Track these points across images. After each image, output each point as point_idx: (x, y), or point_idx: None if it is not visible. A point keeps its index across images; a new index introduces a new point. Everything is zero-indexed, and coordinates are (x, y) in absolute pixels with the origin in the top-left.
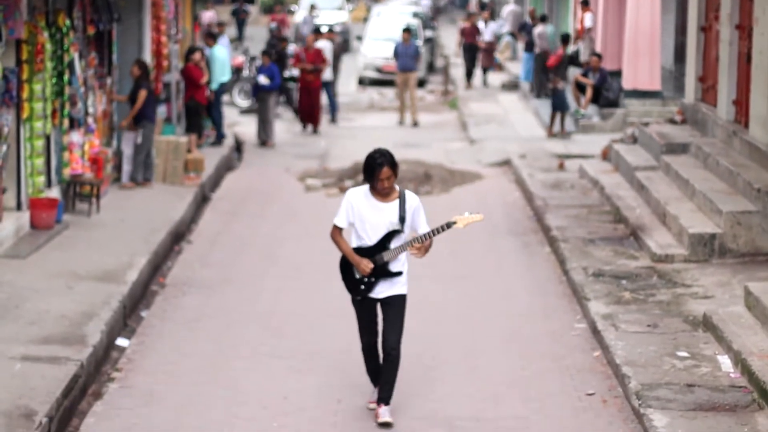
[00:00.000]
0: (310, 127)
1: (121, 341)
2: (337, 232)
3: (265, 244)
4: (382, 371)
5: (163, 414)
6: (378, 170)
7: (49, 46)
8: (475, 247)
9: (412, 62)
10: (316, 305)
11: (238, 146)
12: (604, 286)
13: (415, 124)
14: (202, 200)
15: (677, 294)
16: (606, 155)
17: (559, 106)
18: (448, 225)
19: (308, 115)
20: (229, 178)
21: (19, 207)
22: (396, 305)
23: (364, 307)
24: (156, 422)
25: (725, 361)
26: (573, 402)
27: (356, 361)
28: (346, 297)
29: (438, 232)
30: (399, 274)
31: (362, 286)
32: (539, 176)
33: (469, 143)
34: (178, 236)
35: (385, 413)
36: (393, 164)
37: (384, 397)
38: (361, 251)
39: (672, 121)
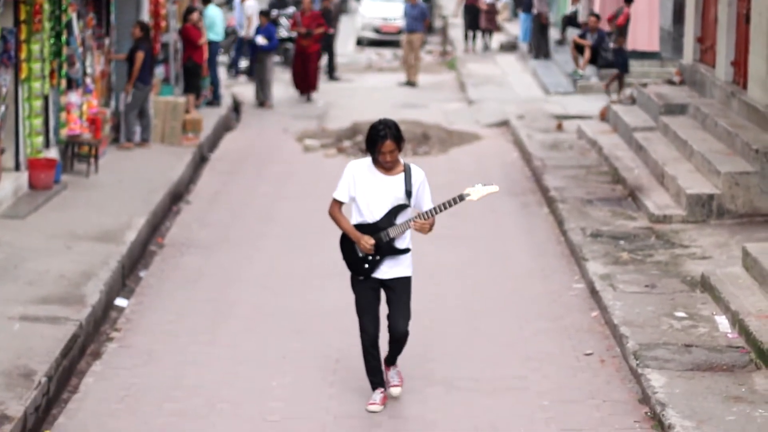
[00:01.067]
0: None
1: (119, 301)
2: (336, 208)
3: (263, 204)
4: (390, 347)
5: (161, 373)
6: (380, 143)
7: (47, 7)
8: (473, 207)
9: (417, 23)
10: (314, 265)
11: (236, 107)
12: (602, 247)
13: (413, 84)
14: (200, 161)
15: (675, 254)
16: (604, 116)
17: (622, 66)
18: (461, 198)
19: (301, 80)
20: (228, 139)
21: (17, 167)
22: (401, 288)
23: (365, 289)
24: (154, 381)
25: (723, 322)
26: (571, 362)
27: (355, 320)
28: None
29: (449, 206)
30: (405, 251)
31: (366, 265)
32: (537, 137)
33: (468, 104)
34: (176, 196)
35: (394, 378)
36: (397, 137)
37: (392, 359)
38: (362, 228)
39: (670, 82)
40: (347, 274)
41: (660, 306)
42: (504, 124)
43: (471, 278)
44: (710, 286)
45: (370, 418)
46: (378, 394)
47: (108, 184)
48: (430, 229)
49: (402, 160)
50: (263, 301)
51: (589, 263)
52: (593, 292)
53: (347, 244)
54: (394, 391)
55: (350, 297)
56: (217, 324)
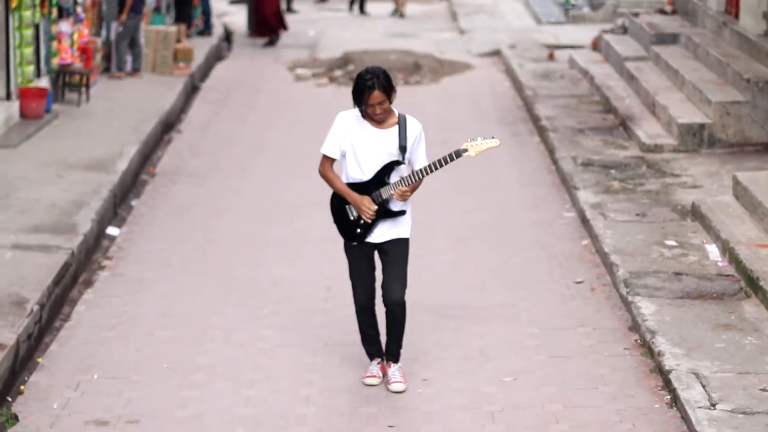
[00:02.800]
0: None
1: (111, 230)
2: (327, 165)
3: (254, 133)
4: (388, 329)
5: (153, 301)
6: (367, 94)
7: None
8: (464, 136)
9: None
10: (305, 193)
11: (228, 36)
12: (593, 176)
13: (401, 15)
14: (191, 90)
15: (666, 183)
16: (596, 45)
17: None
18: (458, 153)
19: (260, 24)
20: (219, 68)
21: (8, 96)
22: (397, 251)
23: (359, 253)
24: (146, 309)
25: (713, 250)
26: (561, 290)
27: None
28: None
29: (443, 164)
30: (401, 213)
31: (359, 229)
32: (529, 66)
33: (459, 33)
34: (167, 126)
35: (395, 374)
36: (387, 87)
37: (392, 354)
38: (354, 188)
39: (662, 12)
40: None
41: (650, 234)
42: (495, 53)
43: (461, 206)
44: (701, 215)
45: (360, 346)
46: (375, 366)
47: (99, 113)
48: (412, 192)
49: (396, 111)
50: (254, 229)
51: (580, 192)
52: (584, 221)
53: (337, 205)
54: (396, 386)
55: None
56: (208, 252)
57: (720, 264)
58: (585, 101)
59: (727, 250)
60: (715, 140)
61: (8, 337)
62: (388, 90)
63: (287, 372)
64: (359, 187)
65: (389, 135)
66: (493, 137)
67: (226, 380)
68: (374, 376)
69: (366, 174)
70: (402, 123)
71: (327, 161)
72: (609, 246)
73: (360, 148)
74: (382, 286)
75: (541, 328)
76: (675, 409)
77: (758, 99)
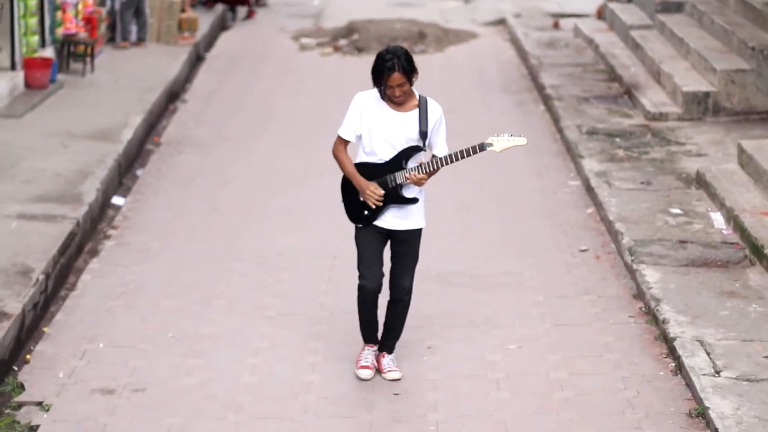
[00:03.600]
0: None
1: (116, 199)
2: (341, 147)
3: (259, 102)
4: (388, 317)
5: (158, 270)
6: (387, 75)
7: None
8: (469, 105)
9: None
10: (310, 162)
11: (232, 7)
12: (597, 144)
13: None
14: (196, 60)
15: (671, 152)
16: (601, 14)
17: None
18: (481, 147)
19: None
20: (223, 38)
21: (13, 67)
22: (409, 243)
23: (369, 236)
24: (151, 278)
25: (718, 218)
26: (566, 258)
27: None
28: None
29: (465, 156)
30: (413, 201)
31: (366, 211)
32: (534, 35)
33: (464, 2)
34: (172, 95)
35: (390, 364)
36: (408, 69)
37: (389, 345)
38: (367, 168)
39: None
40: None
41: (655, 202)
42: (500, 22)
43: (466, 175)
44: (705, 183)
45: None
46: (369, 353)
47: (104, 83)
48: (427, 179)
49: (417, 93)
50: (259, 198)
51: (585, 160)
52: (589, 189)
53: (346, 185)
54: (392, 375)
55: None
56: (213, 221)
57: (725, 232)
58: (590, 70)
59: (732, 218)
60: (720, 108)
61: (14, 306)
62: (409, 72)
63: (292, 340)
64: (374, 169)
65: (409, 119)
66: (520, 135)
67: (231, 349)
68: (369, 368)
69: (382, 157)
70: (423, 106)
71: (341, 142)
72: (614, 214)
73: (377, 130)
74: (392, 273)
75: (546, 296)
76: (679, 376)
77: (763, 67)
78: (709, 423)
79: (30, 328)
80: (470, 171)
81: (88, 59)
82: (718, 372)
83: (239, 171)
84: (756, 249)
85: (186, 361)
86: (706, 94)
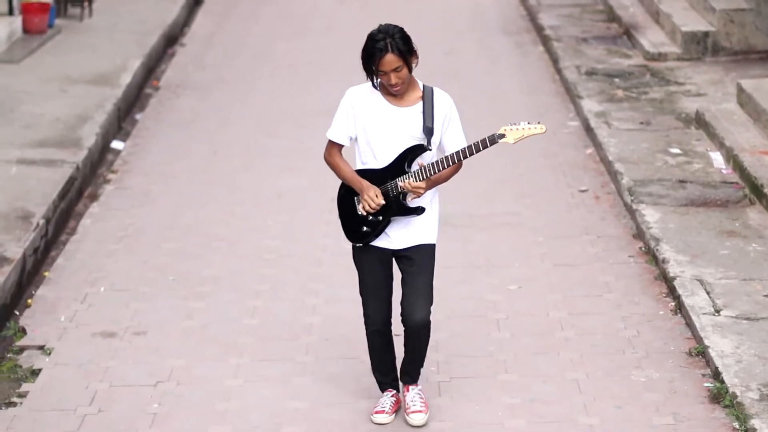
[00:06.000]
0: None
1: (116, 144)
2: (333, 151)
3: (258, 44)
4: (407, 349)
5: (158, 213)
6: (378, 58)
7: None
8: (467, 46)
9: None
10: (309, 104)
11: None
12: (597, 84)
13: None
14: (194, 3)
15: (670, 92)
16: None
17: None
18: (492, 140)
19: None
20: None
21: (11, 12)
22: (420, 261)
23: (371, 261)
24: (151, 221)
25: (717, 158)
26: (566, 198)
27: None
28: (340, 94)
29: (475, 151)
30: (419, 211)
31: (365, 227)
32: None
33: None
34: (171, 39)
35: (415, 401)
36: (403, 50)
37: (412, 374)
38: (369, 175)
39: None
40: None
41: (654, 142)
42: None
43: (464, 115)
44: (705, 123)
45: None
46: (388, 399)
47: (102, 27)
48: (433, 185)
49: (420, 83)
50: (258, 140)
51: (584, 101)
52: (588, 130)
53: (343, 197)
54: (416, 417)
55: None
56: (213, 164)
57: (724, 171)
58: (589, 10)
59: (731, 158)
60: (719, 48)
61: (15, 251)
62: (406, 54)
63: (293, 282)
64: (374, 177)
65: (411, 114)
66: (539, 123)
67: (231, 291)
68: (384, 412)
69: (381, 161)
70: (427, 98)
71: (333, 147)
72: (613, 154)
73: (375, 131)
74: (402, 303)
75: (546, 236)
76: (679, 315)
77: (762, 6)
78: (708, 361)
79: (31, 272)
80: (469, 112)
81: (86, 3)
82: (717, 311)
83: (238, 114)
84: (755, 188)
85: (187, 304)
86: (705, 34)
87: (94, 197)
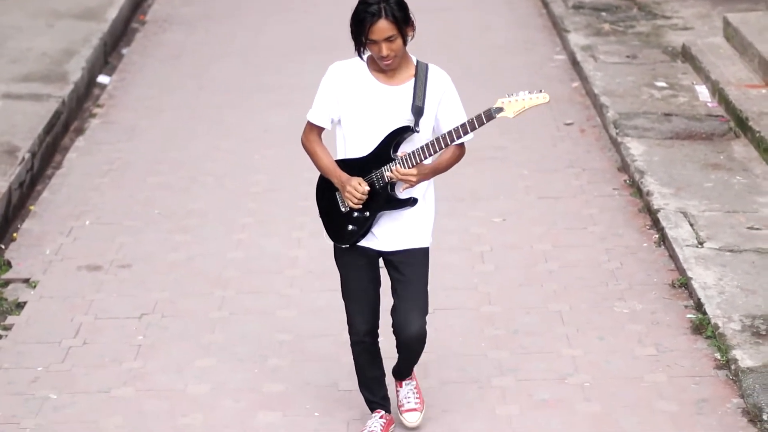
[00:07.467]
0: None
1: (102, 78)
2: (311, 134)
3: None
4: (400, 357)
5: (144, 147)
6: (369, 23)
7: None
8: None
9: None
10: (297, 40)
11: None
12: (583, 18)
13: None
14: None
15: (657, 25)
16: None
17: None
18: (488, 116)
19: None
20: None
21: None
22: (412, 266)
23: (355, 264)
24: (138, 155)
25: (703, 91)
26: (551, 131)
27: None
28: (331, 29)
29: (470, 129)
30: (410, 203)
31: (350, 226)
32: None
33: None
34: None
35: (409, 398)
36: (398, 18)
37: (404, 372)
38: (350, 166)
39: None
40: (331, 47)
41: (640, 76)
42: None
43: (451, 50)
44: (691, 56)
45: None
46: (377, 422)
47: None
48: (430, 175)
49: (414, 59)
50: (245, 75)
51: (571, 35)
52: (574, 63)
53: (324, 191)
54: (410, 418)
55: None
56: (199, 99)
57: (709, 104)
58: None
59: (717, 91)
60: None
61: (0, 185)
62: (401, 22)
63: (279, 215)
64: (357, 165)
65: (401, 93)
66: (540, 91)
67: (218, 224)
68: None
69: (366, 149)
70: (420, 75)
71: (313, 129)
72: (599, 88)
73: (360, 112)
74: (393, 315)
75: (531, 169)
76: (663, 247)
77: None
78: (691, 293)
79: (16, 206)
80: (456, 46)
81: None
82: (701, 243)
83: (226, 48)
84: (740, 121)
85: (172, 237)
86: None
87: (80, 131)
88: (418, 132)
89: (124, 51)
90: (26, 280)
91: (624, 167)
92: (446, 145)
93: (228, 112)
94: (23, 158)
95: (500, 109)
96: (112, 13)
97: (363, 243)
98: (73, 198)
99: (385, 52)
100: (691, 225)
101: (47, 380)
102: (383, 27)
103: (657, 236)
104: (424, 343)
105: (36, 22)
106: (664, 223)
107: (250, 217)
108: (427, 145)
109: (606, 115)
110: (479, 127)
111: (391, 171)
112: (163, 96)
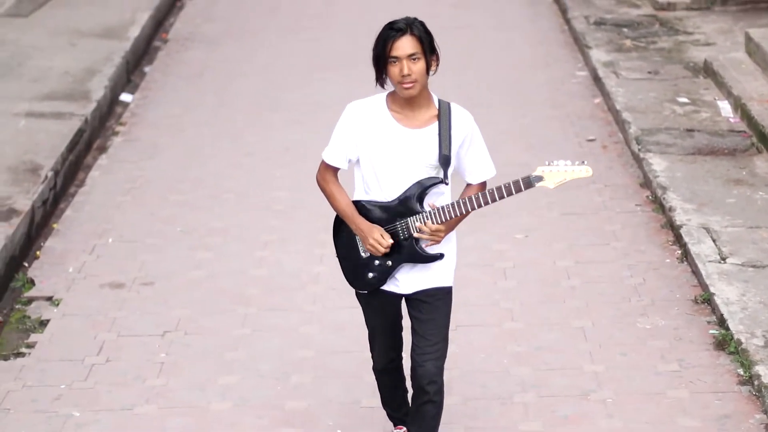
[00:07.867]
0: None
1: (124, 96)
2: (327, 175)
3: None
4: (415, 416)
5: (166, 165)
6: (393, 39)
7: None
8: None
9: None
10: (317, 58)
11: None
12: (605, 34)
13: None
14: None
15: (678, 41)
16: None
17: None
18: (527, 183)
19: None
20: None
21: None
22: (435, 306)
23: (375, 305)
24: (159, 173)
25: (725, 107)
26: (574, 148)
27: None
28: (351, 47)
29: (506, 194)
30: (436, 258)
31: (370, 274)
32: None
33: None
34: None
35: None
36: (425, 38)
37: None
38: (370, 211)
39: None
40: (351, 65)
41: (662, 92)
42: None
43: (473, 67)
44: (713, 72)
45: None
46: None
47: None
48: (449, 230)
49: (435, 98)
50: (266, 93)
51: (593, 51)
52: (596, 79)
53: (342, 232)
54: None
55: (354, 88)
56: (221, 117)
57: (732, 120)
58: None
59: (739, 107)
60: None
61: (24, 203)
62: (425, 43)
63: (300, 232)
64: (378, 211)
65: (425, 137)
66: (583, 162)
67: (239, 242)
68: None
69: (387, 194)
70: (443, 117)
71: (328, 169)
72: (621, 104)
73: (380, 156)
74: (412, 354)
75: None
76: (685, 263)
77: None
78: (714, 309)
79: (40, 224)
80: (478, 63)
81: None
82: (723, 258)
83: (247, 66)
84: (763, 137)
85: (194, 255)
86: None
87: (102, 149)
88: (447, 184)
89: (147, 69)
90: (49, 298)
91: (646, 183)
92: (479, 207)
93: (249, 129)
94: (46, 176)
95: (540, 178)
96: (135, 32)
97: (387, 287)
98: (95, 216)
99: (406, 70)
100: (714, 240)
101: (70, 398)
102: (407, 42)
103: (680, 252)
104: (442, 391)
105: (58, 41)
106: (686, 239)
107: (272, 234)
108: (458, 202)
109: (628, 131)
110: (516, 193)
111: (422, 224)
112: (184, 114)
